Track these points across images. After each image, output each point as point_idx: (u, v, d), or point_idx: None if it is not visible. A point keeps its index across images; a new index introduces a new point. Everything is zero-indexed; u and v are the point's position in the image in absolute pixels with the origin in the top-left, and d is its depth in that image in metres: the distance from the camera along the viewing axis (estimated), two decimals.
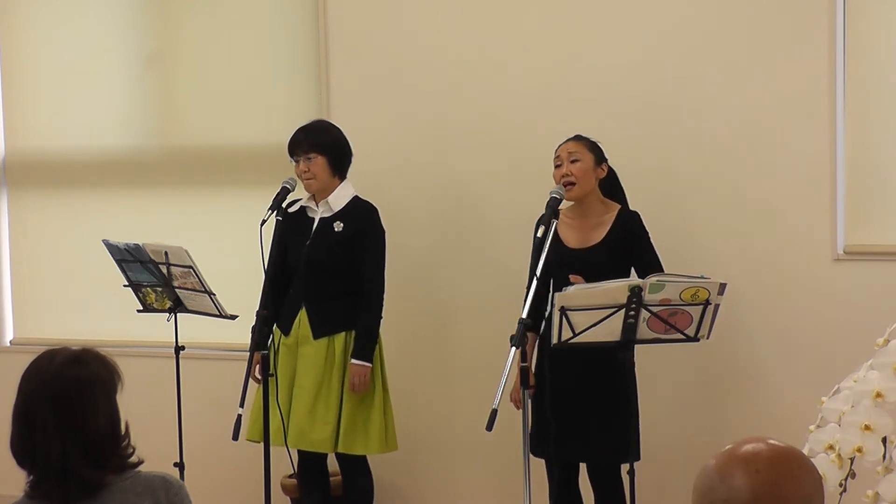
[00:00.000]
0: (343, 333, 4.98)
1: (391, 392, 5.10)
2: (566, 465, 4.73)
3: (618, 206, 4.77)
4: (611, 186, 4.81)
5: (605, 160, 4.76)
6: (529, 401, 4.49)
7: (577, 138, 4.77)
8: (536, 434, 4.66)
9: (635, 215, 4.75)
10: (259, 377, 4.87)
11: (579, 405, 4.60)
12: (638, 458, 4.56)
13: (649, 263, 4.61)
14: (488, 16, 5.47)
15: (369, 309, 4.98)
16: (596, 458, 4.68)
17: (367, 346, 4.95)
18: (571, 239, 4.71)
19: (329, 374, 4.97)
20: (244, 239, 5.19)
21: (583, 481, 4.82)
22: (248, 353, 4.81)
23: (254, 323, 4.76)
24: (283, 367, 5.01)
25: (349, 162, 5.08)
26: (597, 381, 4.58)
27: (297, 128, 5.06)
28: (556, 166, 4.72)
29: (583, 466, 4.80)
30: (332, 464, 5.23)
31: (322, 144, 4.99)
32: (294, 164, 5.01)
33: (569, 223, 4.72)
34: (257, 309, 4.70)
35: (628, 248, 4.68)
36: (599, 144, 4.75)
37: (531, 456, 4.44)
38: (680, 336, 4.29)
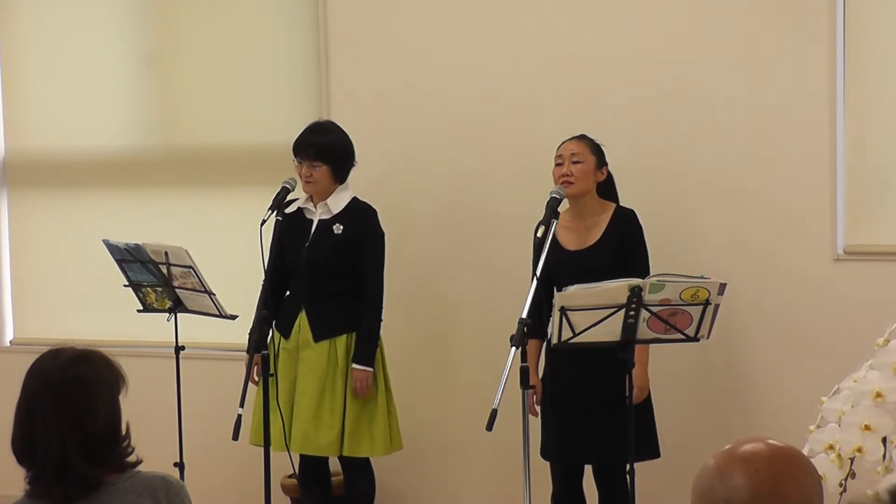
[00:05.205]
0: (344, 336, 4.97)
1: (393, 392, 5.10)
2: (571, 466, 4.73)
3: (613, 206, 4.76)
4: (607, 188, 4.80)
5: (606, 164, 4.76)
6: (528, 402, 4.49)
7: (582, 138, 4.75)
8: (546, 438, 4.69)
9: (631, 213, 4.74)
10: (257, 379, 4.87)
11: (585, 406, 4.61)
12: (657, 455, 4.70)
13: (635, 264, 4.61)
14: (489, 17, 5.46)
15: (370, 312, 4.97)
16: (602, 459, 4.69)
17: (367, 349, 4.94)
18: (568, 241, 4.70)
19: (332, 377, 4.96)
20: (244, 239, 5.19)
21: (586, 482, 4.82)
22: (248, 356, 4.81)
23: (252, 325, 4.75)
24: (283, 372, 4.99)
25: (351, 169, 5.06)
26: (602, 381, 4.58)
27: (307, 127, 5.03)
28: (557, 164, 4.71)
29: (588, 467, 4.81)
30: (333, 464, 5.23)
31: (329, 154, 4.96)
32: (297, 163, 5.00)
33: (565, 225, 4.70)
34: (256, 309, 4.70)
35: (622, 245, 4.67)
36: (602, 147, 4.75)
37: (532, 456, 4.43)
38: (680, 336, 4.29)
